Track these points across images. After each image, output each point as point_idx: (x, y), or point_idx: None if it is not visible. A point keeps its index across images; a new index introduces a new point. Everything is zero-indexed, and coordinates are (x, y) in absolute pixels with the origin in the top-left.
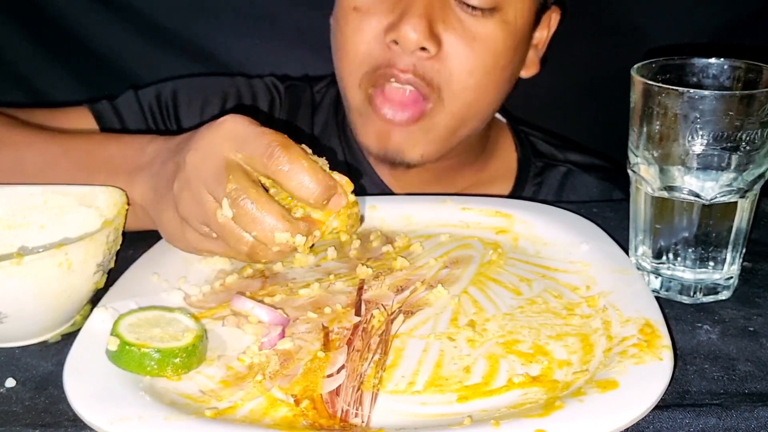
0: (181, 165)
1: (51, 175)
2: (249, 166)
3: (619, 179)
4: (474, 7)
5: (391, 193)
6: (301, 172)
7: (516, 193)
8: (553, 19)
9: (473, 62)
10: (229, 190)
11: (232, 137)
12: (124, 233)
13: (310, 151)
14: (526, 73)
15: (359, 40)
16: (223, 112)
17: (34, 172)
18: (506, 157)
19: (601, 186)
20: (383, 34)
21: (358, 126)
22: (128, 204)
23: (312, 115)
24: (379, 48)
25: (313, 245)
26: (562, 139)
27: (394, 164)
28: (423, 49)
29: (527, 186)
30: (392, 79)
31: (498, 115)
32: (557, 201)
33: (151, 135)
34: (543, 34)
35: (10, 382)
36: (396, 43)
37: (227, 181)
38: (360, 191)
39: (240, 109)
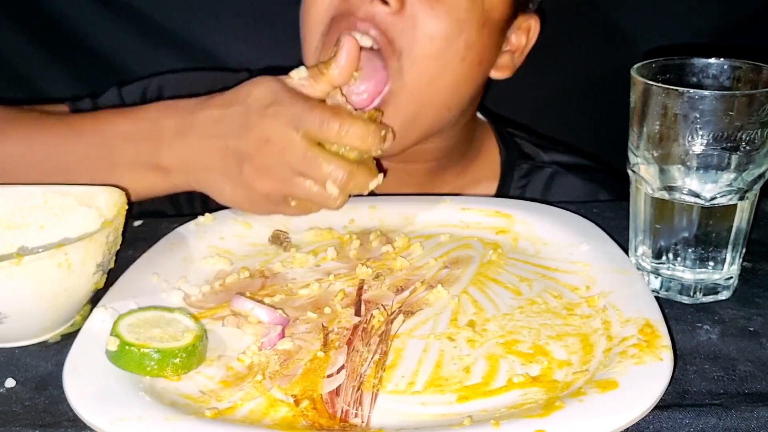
0: (244, 155)
1: (64, 158)
2: (311, 137)
3: (605, 180)
4: None
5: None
6: (359, 130)
7: (500, 196)
8: (533, 27)
9: (435, 26)
10: (326, 171)
11: (288, 120)
12: (124, 233)
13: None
14: (496, 74)
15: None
16: None
17: (44, 158)
18: (490, 159)
19: (587, 187)
20: None
21: None
22: (128, 202)
23: None
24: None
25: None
26: (547, 140)
27: None
28: (384, 1)
29: (512, 188)
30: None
31: (480, 116)
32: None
33: (155, 105)
34: (521, 41)
35: (10, 383)
36: None
37: (322, 161)
38: None
39: None
